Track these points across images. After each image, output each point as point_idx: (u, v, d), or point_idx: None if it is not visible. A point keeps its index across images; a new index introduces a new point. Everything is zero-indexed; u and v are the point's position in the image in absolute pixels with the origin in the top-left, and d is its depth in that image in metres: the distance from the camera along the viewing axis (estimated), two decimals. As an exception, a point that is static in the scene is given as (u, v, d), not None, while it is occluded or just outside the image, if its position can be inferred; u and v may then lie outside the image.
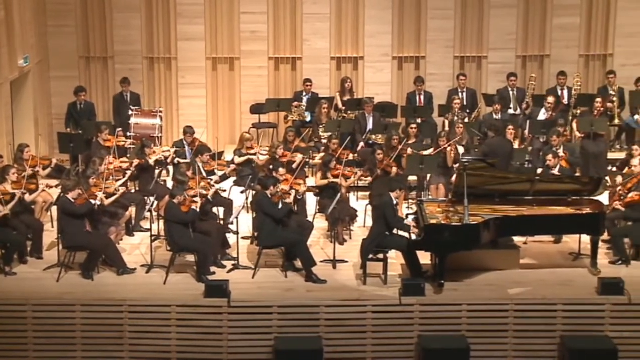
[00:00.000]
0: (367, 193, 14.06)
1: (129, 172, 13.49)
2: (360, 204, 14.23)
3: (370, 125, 15.80)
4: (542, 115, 15.81)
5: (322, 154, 14.47)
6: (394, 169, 13.77)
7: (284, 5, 17.08)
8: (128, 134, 15.48)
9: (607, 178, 13.86)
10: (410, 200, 14.25)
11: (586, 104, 16.17)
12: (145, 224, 13.44)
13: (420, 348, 11.12)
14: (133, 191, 14.01)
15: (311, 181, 14.27)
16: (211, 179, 13.34)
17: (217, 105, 17.39)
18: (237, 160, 14.41)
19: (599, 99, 15.92)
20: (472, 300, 11.39)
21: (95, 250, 12.00)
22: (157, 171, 13.97)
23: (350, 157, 14.34)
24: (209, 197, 12.72)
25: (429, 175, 14.30)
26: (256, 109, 16.97)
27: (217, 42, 17.16)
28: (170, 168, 14.34)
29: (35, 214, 13.03)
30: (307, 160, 14.53)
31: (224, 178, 13.89)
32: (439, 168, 14.15)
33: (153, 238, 12.60)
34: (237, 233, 12.66)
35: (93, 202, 12.05)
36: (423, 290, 11.40)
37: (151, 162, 13.79)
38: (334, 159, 13.64)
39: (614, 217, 12.57)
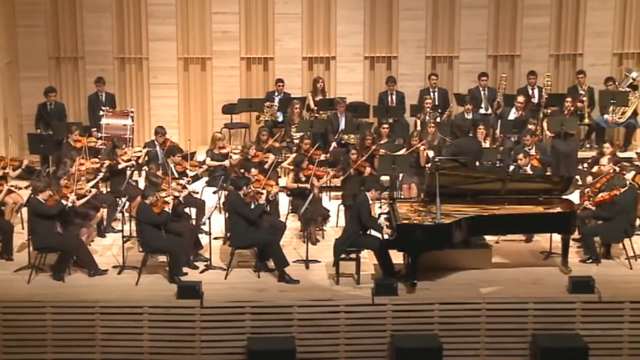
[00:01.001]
0: (340, 193, 14.07)
1: (100, 174, 13.42)
2: (332, 203, 14.25)
3: (342, 125, 15.81)
4: (512, 115, 15.89)
5: (294, 155, 14.46)
6: (367, 169, 13.79)
7: (256, 5, 17.05)
8: (99, 134, 15.41)
9: (578, 177, 13.95)
10: (382, 200, 14.28)
11: (556, 104, 16.29)
12: (116, 225, 13.38)
13: (393, 347, 11.14)
14: (104, 192, 13.94)
15: (283, 181, 14.25)
16: (183, 179, 13.29)
17: (188, 106, 17.33)
18: (209, 162, 14.36)
19: (569, 99, 16.03)
20: (444, 299, 11.42)
21: (66, 251, 11.92)
22: (128, 172, 13.90)
23: (323, 157, 14.36)
24: (181, 198, 12.68)
25: (401, 175, 14.34)
26: (228, 109, 16.94)
27: (188, 42, 17.11)
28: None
29: (4, 216, 12.93)
30: (279, 160, 14.53)
31: (195, 179, 13.85)
32: (411, 168, 14.19)
33: (125, 239, 12.53)
34: (209, 233, 12.63)
35: (64, 202, 11.96)
36: (395, 290, 11.42)
37: (121, 166, 13.69)
38: (306, 159, 13.64)
39: (584, 216, 12.66)
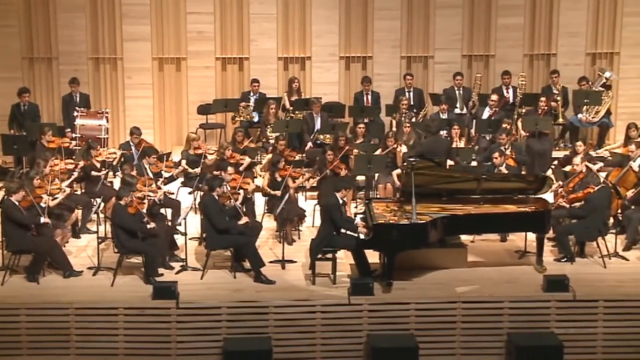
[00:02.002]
0: (316, 193, 14.08)
1: (74, 174, 13.35)
2: (308, 204, 14.25)
3: (317, 125, 15.82)
4: (486, 113, 15.96)
5: (269, 155, 14.45)
6: (343, 170, 13.80)
7: (230, 6, 17.02)
8: (74, 135, 15.33)
9: (552, 176, 14.02)
10: (358, 200, 14.30)
11: (531, 103, 16.36)
12: (91, 226, 13.31)
13: (369, 347, 11.16)
14: (79, 193, 13.87)
15: (259, 181, 14.23)
16: (158, 180, 13.25)
17: (163, 106, 17.27)
18: (184, 165, 14.31)
19: (543, 98, 16.12)
20: (420, 298, 11.45)
21: (41, 253, 11.84)
22: (103, 172, 13.84)
23: (298, 157, 14.36)
24: (157, 198, 12.64)
25: (376, 175, 14.36)
26: (203, 109, 16.90)
27: (163, 43, 17.05)
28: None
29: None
30: (255, 162, 14.52)
31: (170, 180, 13.81)
32: (387, 168, 14.22)
33: (100, 240, 12.48)
34: (185, 234, 12.59)
35: (42, 219, 11.82)
36: (372, 290, 11.44)
37: (95, 173, 13.62)
38: (282, 159, 13.63)
39: (558, 215, 12.73)
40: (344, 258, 12.27)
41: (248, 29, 17.12)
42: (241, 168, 13.89)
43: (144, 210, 12.07)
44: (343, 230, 11.97)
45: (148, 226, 11.88)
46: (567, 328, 11.42)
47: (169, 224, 13.02)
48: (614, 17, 17.17)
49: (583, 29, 17.25)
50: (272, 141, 15.27)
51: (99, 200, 12.70)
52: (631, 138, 14.36)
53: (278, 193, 13.13)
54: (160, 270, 12.02)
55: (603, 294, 11.52)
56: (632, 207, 12.91)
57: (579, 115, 16.35)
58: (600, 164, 13.91)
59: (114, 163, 14.14)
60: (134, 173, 13.03)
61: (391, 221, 11.89)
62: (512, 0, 17.18)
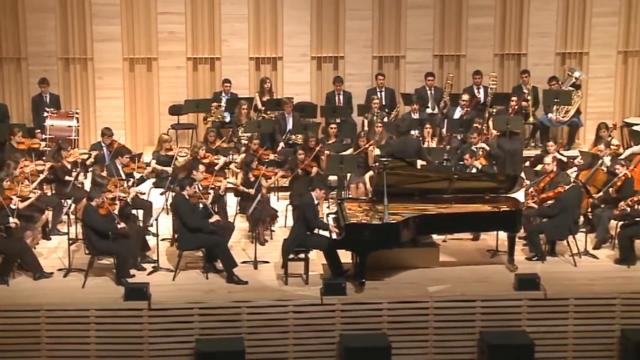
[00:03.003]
0: (288, 193, 14.07)
1: (42, 175, 13.26)
2: (280, 204, 14.24)
3: (289, 125, 15.81)
4: (457, 113, 16.02)
5: (242, 155, 14.43)
6: (314, 169, 13.81)
7: (202, 6, 16.97)
8: (44, 136, 15.23)
9: (523, 175, 14.10)
10: (330, 200, 14.31)
11: (501, 103, 16.45)
12: (62, 227, 13.23)
13: (342, 347, 11.16)
14: (49, 194, 13.78)
15: (232, 180, 14.21)
16: (129, 181, 13.20)
17: (135, 107, 17.19)
18: (154, 165, 14.26)
19: (513, 98, 16.21)
20: (392, 298, 11.47)
21: (11, 254, 11.76)
22: (74, 173, 13.76)
23: (271, 157, 14.36)
24: (128, 199, 12.58)
25: (349, 175, 14.37)
26: (175, 109, 16.84)
27: (134, 43, 16.97)
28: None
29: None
30: (228, 162, 14.49)
31: (142, 180, 13.75)
32: (359, 167, 14.23)
33: (71, 241, 12.41)
34: (156, 235, 12.54)
35: (11, 221, 11.74)
36: (344, 289, 11.45)
37: (68, 178, 13.54)
38: (255, 159, 13.62)
39: (529, 214, 12.80)
40: (317, 258, 12.27)
41: (219, 29, 17.08)
42: (217, 167, 13.86)
43: (116, 212, 12.00)
44: (316, 230, 11.97)
45: (119, 226, 11.82)
46: (538, 326, 11.49)
47: (141, 224, 12.96)
48: (583, 17, 17.30)
49: (553, 29, 17.36)
50: (244, 141, 15.24)
51: (69, 201, 12.62)
52: (602, 138, 14.47)
53: (252, 192, 13.10)
54: (132, 272, 11.97)
55: (573, 292, 11.60)
56: (602, 205, 13.00)
57: (549, 115, 16.45)
58: (575, 170, 13.97)
59: (87, 162, 14.06)
60: (104, 174, 12.96)
61: (363, 221, 11.91)
62: (483, 0, 17.25)
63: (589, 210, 13.15)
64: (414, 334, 11.43)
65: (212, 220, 12.07)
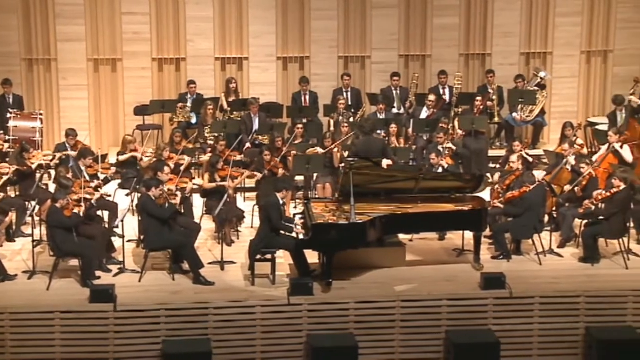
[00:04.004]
0: (254, 194, 14.05)
1: (4, 177, 13.14)
2: (247, 204, 14.22)
3: (256, 126, 15.78)
4: (424, 114, 16.08)
5: (208, 155, 14.39)
6: (281, 170, 13.80)
7: (167, 6, 16.90)
8: (7, 137, 15.09)
9: (489, 175, 14.19)
10: (297, 200, 14.30)
11: (467, 103, 16.54)
12: (26, 229, 13.11)
13: (309, 347, 11.17)
14: (13, 196, 13.66)
15: (198, 181, 14.17)
16: (94, 182, 13.11)
17: (99, 107, 17.08)
18: (120, 158, 14.21)
19: (478, 98, 16.30)
20: (359, 298, 11.49)
21: (-26, 257, 11.65)
22: (38, 175, 13.65)
23: (237, 157, 14.33)
24: (93, 201, 12.50)
25: (315, 175, 14.38)
26: (140, 110, 16.76)
27: (98, 43, 16.86)
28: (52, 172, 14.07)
29: None
30: (194, 162, 14.45)
31: (106, 181, 13.67)
32: (326, 168, 14.25)
33: (35, 243, 12.31)
34: (122, 236, 12.46)
35: None
36: (311, 290, 11.45)
37: (33, 166, 13.46)
38: (221, 160, 13.59)
39: (495, 213, 12.88)
40: (283, 258, 12.27)
41: (184, 30, 17.02)
42: (182, 168, 13.82)
43: (80, 212, 11.92)
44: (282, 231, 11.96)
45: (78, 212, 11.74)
46: (504, 325, 11.55)
47: (106, 226, 12.89)
48: (546, 17, 17.44)
49: (517, 29, 17.49)
50: (210, 142, 15.20)
51: (33, 203, 12.51)
52: (567, 137, 14.59)
53: (225, 184, 13.04)
54: (98, 273, 11.90)
55: (539, 291, 11.68)
56: (567, 204, 13.11)
57: (514, 114, 16.57)
58: (543, 173, 14.07)
59: (52, 164, 13.96)
60: (69, 175, 12.87)
61: (330, 221, 11.92)
62: (448, 0, 17.33)
63: (554, 209, 13.25)
64: (381, 334, 11.45)
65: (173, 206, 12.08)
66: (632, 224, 12.96)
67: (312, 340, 11.20)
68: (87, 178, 13.20)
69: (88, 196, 12.42)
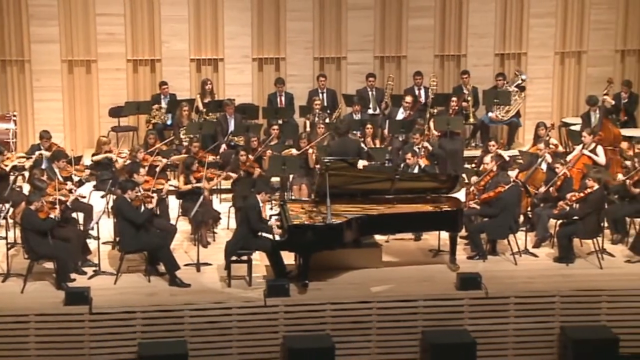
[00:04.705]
0: (230, 195, 14.03)
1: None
2: (223, 206, 14.19)
3: (231, 127, 15.76)
4: (400, 115, 16.11)
5: (182, 155, 14.35)
6: (257, 170, 13.79)
7: (141, 7, 16.84)
8: (-20, 139, 15.02)
9: (464, 175, 14.23)
10: (273, 201, 14.29)
11: (442, 104, 16.59)
12: (0, 232, 13.02)
13: (286, 348, 11.16)
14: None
15: (174, 182, 14.13)
16: (68, 184, 13.04)
17: (74, 109, 17.00)
18: (95, 158, 14.15)
19: (454, 98, 16.35)
20: (335, 299, 11.50)
21: (-52, 260, 11.56)
22: (12, 177, 13.56)
23: (212, 159, 14.29)
24: (68, 203, 12.42)
25: (291, 176, 14.37)
26: (115, 112, 16.69)
27: (72, 44, 16.77)
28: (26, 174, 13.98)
29: None
30: (169, 163, 14.41)
31: (80, 183, 13.60)
32: (302, 169, 14.24)
33: (9, 246, 12.23)
34: (97, 238, 12.41)
35: None
36: (287, 291, 11.44)
37: (7, 167, 13.37)
38: (195, 161, 13.55)
39: (470, 213, 12.92)
40: (260, 260, 12.25)
41: (159, 31, 16.97)
42: (157, 169, 13.78)
43: (55, 215, 11.84)
44: (259, 232, 11.94)
45: (52, 216, 11.65)
46: (479, 325, 11.59)
47: (81, 228, 12.82)
48: (520, 18, 17.53)
49: (491, 30, 17.56)
50: (185, 143, 15.16)
51: (7, 205, 12.43)
52: (540, 137, 14.66)
53: (200, 185, 13.00)
54: (73, 276, 11.83)
55: (514, 290, 11.73)
56: (542, 204, 13.18)
57: (490, 114, 16.65)
58: (516, 171, 14.15)
59: (26, 166, 13.88)
60: (44, 177, 12.79)
61: (306, 222, 11.92)
62: (422, 1, 17.38)
63: (529, 209, 13.32)
64: (357, 334, 11.46)
65: (150, 206, 12.00)
66: (606, 224, 13.04)
67: (288, 342, 11.19)
68: (61, 180, 13.13)
69: (63, 198, 12.35)
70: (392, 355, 11.54)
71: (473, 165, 14.71)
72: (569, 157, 14.31)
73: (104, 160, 14.19)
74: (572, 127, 16.45)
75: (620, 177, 13.46)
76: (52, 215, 11.73)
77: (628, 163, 14.14)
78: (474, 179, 13.49)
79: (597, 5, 17.63)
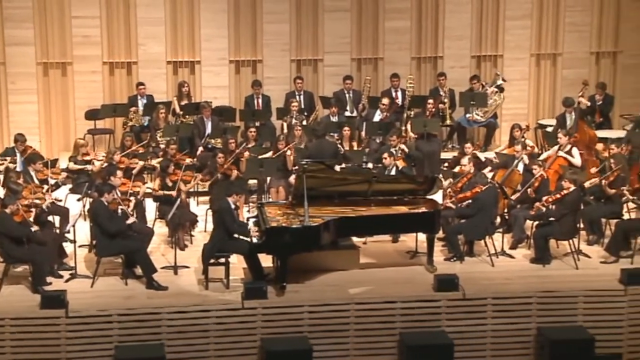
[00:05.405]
0: (208, 197, 14.00)
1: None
2: (200, 208, 14.16)
3: (208, 130, 15.73)
4: (377, 117, 16.13)
5: (160, 159, 14.31)
6: (234, 173, 13.77)
7: (117, 9, 16.77)
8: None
9: (441, 177, 14.27)
10: (250, 204, 14.28)
11: (419, 105, 16.63)
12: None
13: (264, 350, 11.15)
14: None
15: (151, 185, 14.07)
16: (44, 187, 12.97)
17: (50, 112, 16.91)
18: (72, 166, 14.07)
19: (430, 100, 16.39)
20: (313, 301, 11.49)
21: None
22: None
23: (189, 161, 14.27)
24: (44, 206, 12.35)
25: (269, 178, 14.36)
26: (91, 114, 16.62)
27: (47, 47, 16.68)
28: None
29: None
30: (146, 166, 14.36)
31: (56, 186, 13.53)
32: (279, 171, 14.23)
33: (-16, 250, 12.14)
34: (74, 241, 12.35)
35: None
36: (265, 293, 11.43)
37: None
38: (171, 164, 13.52)
39: (448, 215, 12.95)
40: (237, 262, 12.23)
41: (135, 33, 16.91)
42: (134, 172, 13.72)
43: (31, 219, 11.78)
44: (236, 235, 11.92)
45: (32, 229, 11.56)
46: (457, 326, 11.62)
47: (57, 231, 12.75)
48: (496, 20, 17.61)
49: (467, 32, 17.63)
50: (162, 145, 15.12)
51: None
52: (516, 138, 14.73)
53: (173, 193, 12.98)
54: (49, 279, 11.76)
55: (491, 292, 11.77)
56: (518, 206, 13.23)
57: (467, 115, 16.71)
58: (489, 168, 14.23)
59: (1, 169, 13.80)
60: (20, 181, 12.71)
61: (283, 224, 11.91)
62: (399, 3, 17.42)
63: (506, 210, 13.37)
64: (335, 336, 11.46)
65: (128, 221, 11.91)
66: (582, 225, 13.11)
67: (266, 344, 11.18)
68: (37, 183, 13.05)
69: (38, 201, 12.27)
70: (370, 357, 11.54)
71: (445, 165, 14.75)
72: (541, 158, 14.37)
73: (83, 164, 14.11)
74: (548, 129, 16.53)
75: (593, 170, 13.64)
76: (33, 229, 11.61)
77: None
78: (446, 183, 13.53)
79: (572, 8, 17.74)
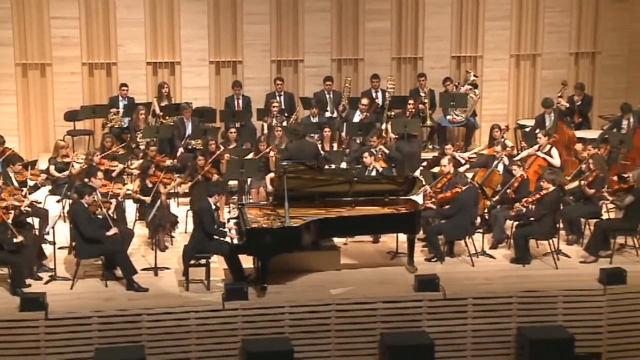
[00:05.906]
0: (188, 199, 13.97)
1: None
2: (181, 210, 14.13)
3: (189, 131, 15.70)
4: (357, 117, 16.16)
5: (140, 161, 14.26)
6: (215, 177, 13.74)
7: (97, 11, 16.72)
8: None
9: (422, 177, 14.30)
10: (231, 205, 14.26)
11: (399, 106, 16.66)
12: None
13: (245, 352, 11.13)
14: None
15: (131, 186, 14.03)
16: (24, 189, 12.90)
17: (29, 113, 16.84)
18: (53, 171, 14.00)
19: (411, 101, 16.42)
20: (294, 302, 11.49)
21: None
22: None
23: (169, 163, 14.24)
24: (23, 208, 12.28)
25: (249, 180, 14.35)
26: (71, 116, 16.56)
27: (26, 48, 16.62)
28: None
29: None
30: (126, 168, 14.32)
31: (36, 188, 13.46)
32: (260, 172, 14.23)
33: (-37, 252, 12.06)
34: (54, 243, 12.29)
35: None
36: (246, 295, 11.42)
37: None
38: (152, 165, 13.48)
39: (428, 215, 12.98)
40: (218, 263, 12.21)
41: (115, 34, 16.86)
42: (114, 174, 13.67)
43: (10, 221, 11.71)
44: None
45: (15, 240, 11.49)
46: (438, 326, 11.64)
47: (37, 233, 12.68)
48: (476, 21, 17.68)
49: (448, 33, 17.69)
50: (142, 147, 15.08)
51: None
52: (495, 139, 14.78)
53: (148, 200, 12.96)
54: (28, 281, 11.70)
55: (472, 292, 11.80)
56: (499, 206, 13.28)
57: (448, 117, 16.77)
58: (467, 166, 14.29)
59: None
60: (-1, 183, 12.66)
61: (264, 225, 11.91)
62: (379, 4, 17.45)
63: (486, 211, 13.41)
64: (316, 337, 11.46)
65: (110, 233, 11.84)
66: (561, 225, 13.17)
67: (247, 345, 11.16)
68: (16, 185, 12.98)
69: (17, 203, 12.20)
70: (351, 358, 11.54)
71: (424, 165, 14.79)
72: (517, 158, 14.43)
73: (61, 166, 14.05)
74: (528, 130, 16.60)
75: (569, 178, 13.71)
76: (17, 240, 11.54)
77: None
78: (426, 188, 13.57)
79: (551, 9, 17.84)
